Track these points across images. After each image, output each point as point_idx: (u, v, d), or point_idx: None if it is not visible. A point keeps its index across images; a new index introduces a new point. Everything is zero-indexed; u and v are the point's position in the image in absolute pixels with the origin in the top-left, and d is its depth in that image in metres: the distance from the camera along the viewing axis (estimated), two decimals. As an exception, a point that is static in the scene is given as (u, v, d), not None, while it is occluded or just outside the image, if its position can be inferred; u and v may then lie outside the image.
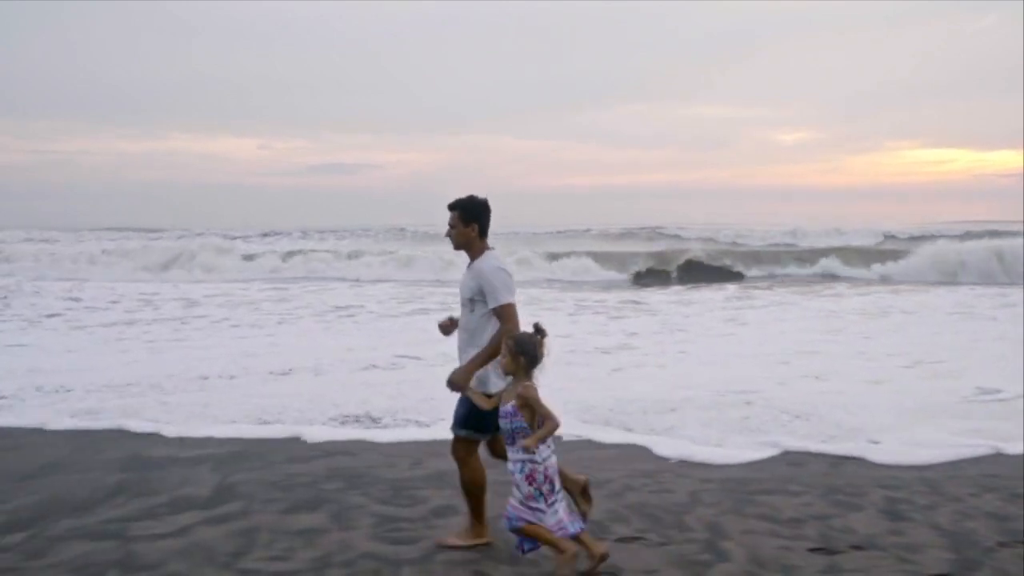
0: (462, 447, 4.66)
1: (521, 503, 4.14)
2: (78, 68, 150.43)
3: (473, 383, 4.50)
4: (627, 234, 45.68)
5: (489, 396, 4.45)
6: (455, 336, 4.79)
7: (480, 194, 4.77)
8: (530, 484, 4.12)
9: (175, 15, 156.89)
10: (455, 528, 4.88)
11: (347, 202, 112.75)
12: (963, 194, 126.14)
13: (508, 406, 4.19)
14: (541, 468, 4.13)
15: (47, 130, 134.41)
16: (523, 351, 4.17)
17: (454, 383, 4.48)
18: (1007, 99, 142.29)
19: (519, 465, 4.15)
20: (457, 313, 4.95)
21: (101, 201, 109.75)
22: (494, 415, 4.39)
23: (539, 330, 4.25)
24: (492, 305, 4.50)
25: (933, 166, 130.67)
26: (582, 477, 4.68)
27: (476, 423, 4.57)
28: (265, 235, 50.08)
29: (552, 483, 4.16)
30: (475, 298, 4.58)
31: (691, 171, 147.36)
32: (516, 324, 4.46)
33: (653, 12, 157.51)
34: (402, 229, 50.43)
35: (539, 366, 4.21)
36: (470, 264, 4.72)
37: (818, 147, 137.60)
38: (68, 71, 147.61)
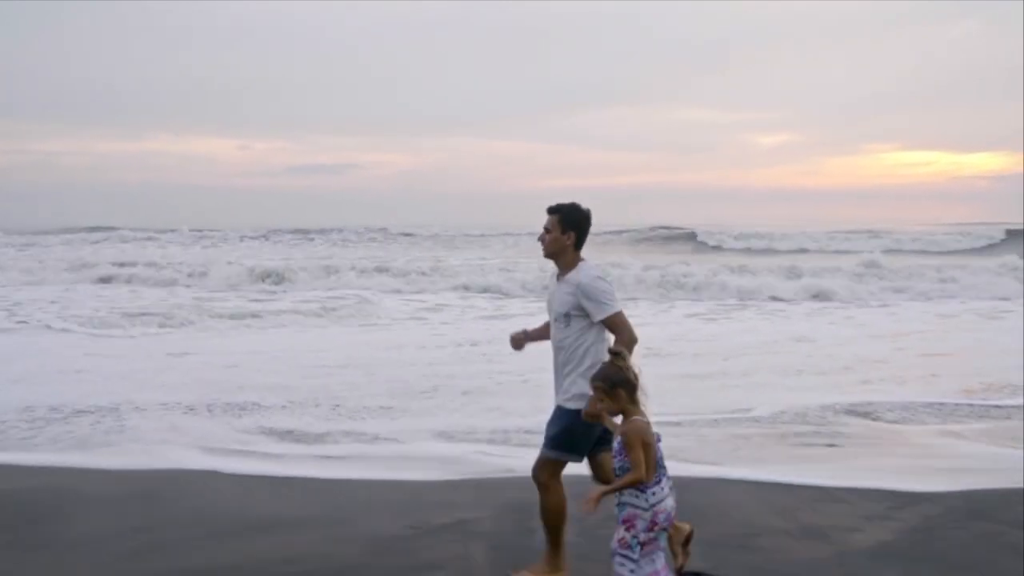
0: (548, 470, 4.34)
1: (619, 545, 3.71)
2: (56, 69, 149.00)
3: (578, 400, 4.18)
4: (656, 237, 45.30)
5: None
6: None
7: (583, 204, 4.48)
8: (627, 530, 3.68)
9: (156, 17, 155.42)
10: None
11: (330, 203, 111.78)
12: (941, 196, 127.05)
13: (616, 442, 3.79)
14: (648, 515, 3.66)
15: (25, 131, 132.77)
16: (617, 384, 3.73)
17: (592, 415, 4.06)
18: (985, 103, 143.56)
19: (621, 507, 3.72)
20: (532, 326, 4.74)
21: (79, 203, 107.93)
22: (588, 437, 4.19)
23: (615, 353, 3.82)
24: (600, 317, 4.23)
25: (911, 168, 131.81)
26: (686, 526, 4.13)
27: (569, 444, 4.26)
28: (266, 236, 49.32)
29: (657, 534, 3.69)
30: (572, 312, 4.30)
31: (675, 174, 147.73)
32: (631, 331, 4.20)
33: (633, 17, 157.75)
34: (384, 229, 50.05)
35: (641, 390, 3.74)
36: (561, 276, 4.42)
37: (798, 150, 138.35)
38: (47, 72, 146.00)
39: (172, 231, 49.12)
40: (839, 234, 42.49)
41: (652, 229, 48.63)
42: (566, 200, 4.48)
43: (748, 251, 37.51)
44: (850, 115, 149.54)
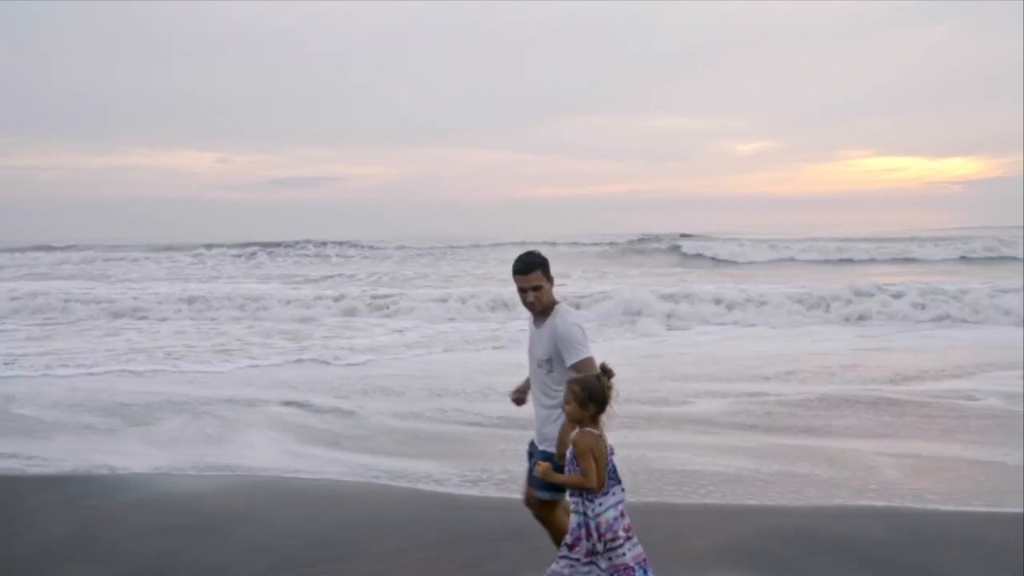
0: (545, 509, 4.53)
1: (580, 557, 3.90)
2: (32, 82, 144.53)
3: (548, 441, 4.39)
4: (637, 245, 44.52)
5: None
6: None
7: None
8: (588, 540, 3.89)
9: (135, 29, 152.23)
10: None
11: (309, 215, 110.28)
12: (915, 202, 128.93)
13: (569, 453, 3.96)
14: (593, 522, 3.87)
15: (1, 146, 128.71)
16: (592, 397, 3.87)
17: (564, 455, 4.19)
18: (956, 107, 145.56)
19: (576, 516, 3.94)
20: (519, 379, 4.87)
21: (55, 218, 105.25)
22: None
23: (606, 371, 3.96)
24: (571, 361, 4.27)
25: (886, 174, 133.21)
26: None
27: (558, 486, 4.38)
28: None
29: (594, 544, 3.86)
30: (553, 358, 4.38)
31: (654, 182, 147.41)
32: None
33: (607, 27, 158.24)
34: (355, 243, 48.88)
35: (607, 411, 3.92)
36: (540, 321, 4.49)
37: (774, 157, 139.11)
38: (22, 86, 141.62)
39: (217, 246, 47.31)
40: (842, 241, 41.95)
41: (656, 237, 46.26)
42: (533, 247, 4.80)
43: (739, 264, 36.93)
44: (825, 121, 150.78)
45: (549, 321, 4.40)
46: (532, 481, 4.46)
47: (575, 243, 43.39)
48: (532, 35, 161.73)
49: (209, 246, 47.25)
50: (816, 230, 52.03)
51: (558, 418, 4.29)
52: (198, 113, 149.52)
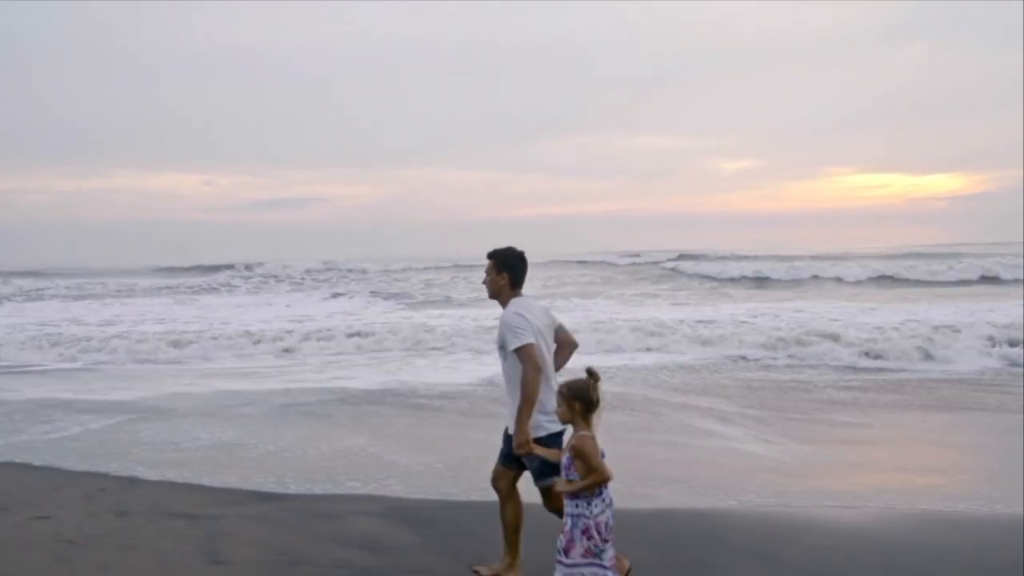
0: (552, 495, 4.58)
1: (579, 561, 3.97)
2: (13, 105, 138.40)
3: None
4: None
5: (545, 444, 4.49)
6: None
7: (516, 247, 4.90)
8: (588, 540, 3.97)
9: (117, 52, 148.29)
10: None
11: (297, 236, 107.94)
12: (899, 218, 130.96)
13: (564, 458, 4.11)
14: (592, 523, 3.97)
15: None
16: (577, 396, 4.05)
17: (522, 446, 4.45)
18: (938, 124, 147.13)
19: (571, 519, 4.02)
20: None
21: (39, 242, 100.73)
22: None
23: (592, 373, 4.12)
24: (512, 347, 4.54)
25: (869, 191, 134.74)
26: (625, 561, 4.31)
27: (550, 467, 4.50)
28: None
29: (606, 540, 3.98)
30: (504, 346, 4.65)
31: (640, 200, 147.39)
32: (534, 364, 4.46)
33: (581, 49, 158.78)
34: (328, 263, 47.60)
35: (597, 412, 4.07)
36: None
37: (758, 175, 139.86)
38: (3, 109, 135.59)
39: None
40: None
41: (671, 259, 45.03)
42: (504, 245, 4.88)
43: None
44: (807, 139, 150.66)
45: (501, 314, 4.72)
46: (534, 472, 4.63)
47: (607, 262, 42.86)
48: (507, 57, 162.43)
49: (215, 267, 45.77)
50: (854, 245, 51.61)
51: (512, 402, 4.56)
52: (183, 135, 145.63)
